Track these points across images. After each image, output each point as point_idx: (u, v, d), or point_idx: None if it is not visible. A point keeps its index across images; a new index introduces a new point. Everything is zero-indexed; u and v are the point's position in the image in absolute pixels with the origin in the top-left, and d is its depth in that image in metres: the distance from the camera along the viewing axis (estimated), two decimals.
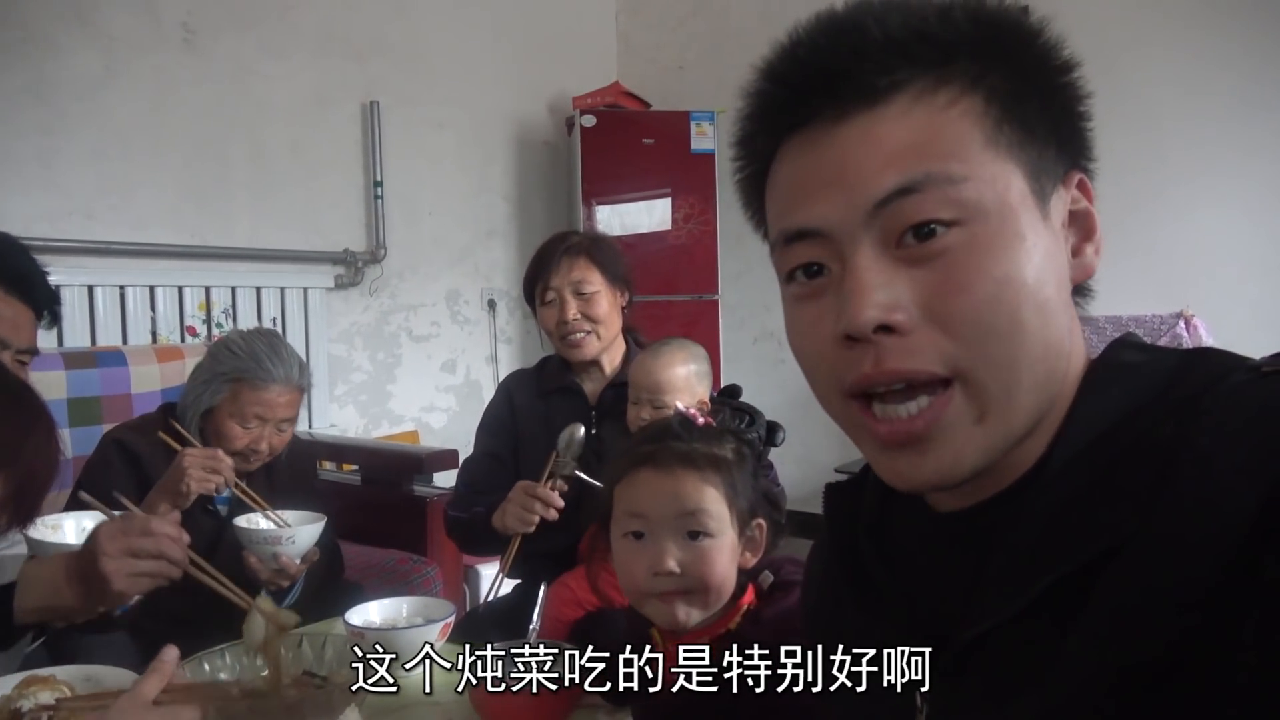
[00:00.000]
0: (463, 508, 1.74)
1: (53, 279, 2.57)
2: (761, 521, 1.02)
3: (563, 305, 1.75)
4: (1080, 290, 0.61)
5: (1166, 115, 3.02)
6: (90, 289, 2.73)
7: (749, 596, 1.01)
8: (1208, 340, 2.92)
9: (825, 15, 0.57)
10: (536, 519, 1.52)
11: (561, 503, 1.52)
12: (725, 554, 0.97)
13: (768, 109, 0.59)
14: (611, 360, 1.83)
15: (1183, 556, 0.45)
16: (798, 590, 0.97)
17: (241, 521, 1.62)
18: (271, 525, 1.64)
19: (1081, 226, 0.58)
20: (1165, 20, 3.02)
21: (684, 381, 1.56)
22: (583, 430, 1.58)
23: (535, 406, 1.83)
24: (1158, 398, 0.52)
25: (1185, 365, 0.54)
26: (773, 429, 1.48)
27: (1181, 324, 2.96)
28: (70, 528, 1.39)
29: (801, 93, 0.56)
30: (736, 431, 1.36)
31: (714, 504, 0.97)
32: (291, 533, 1.61)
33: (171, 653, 0.98)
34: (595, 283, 1.75)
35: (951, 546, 0.60)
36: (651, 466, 0.98)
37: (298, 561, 1.63)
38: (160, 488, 1.57)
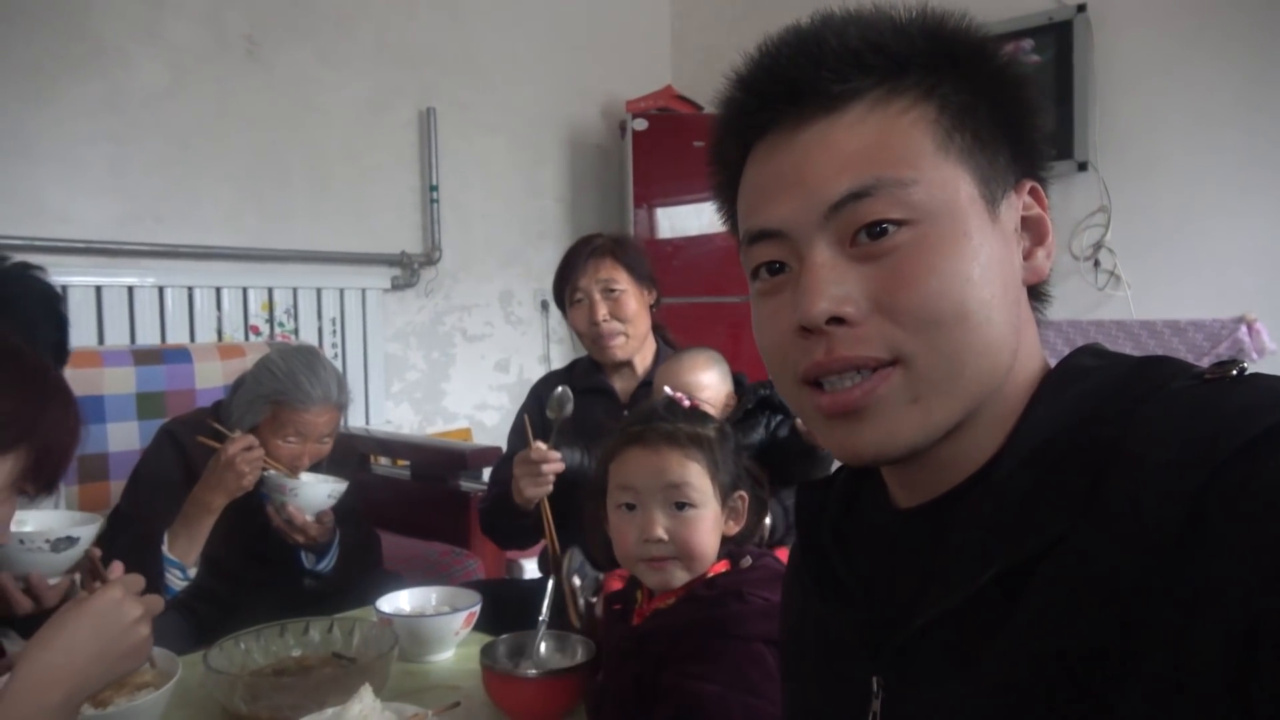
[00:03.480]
0: (487, 499, 1.81)
1: (125, 280, 2.75)
2: (744, 494, 1.11)
3: (592, 306, 1.78)
4: (1037, 295, 0.63)
5: (1227, 114, 2.93)
6: (160, 290, 2.86)
7: (719, 566, 1.09)
8: (1271, 345, 2.83)
9: (791, 28, 0.61)
10: (550, 477, 1.59)
11: (558, 455, 1.60)
12: (708, 523, 1.06)
13: (736, 116, 0.63)
14: (643, 359, 1.86)
15: (1111, 552, 0.47)
16: (758, 571, 1.05)
17: (272, 473, 1.72)
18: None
19: (1034, 232, 0.61)
20: (1225, 20, 2.93)
21: (710, 381, 1.59)
22: (563, 390, 1.67)
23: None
24: (1105, 402, 0.54)
25: (1134, 372, 0.56)
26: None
27: (1243, 328, 2.87)
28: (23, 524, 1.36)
29: (765, 100, 0.60)
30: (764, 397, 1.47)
31: (697, 478, 1.06)
32: (295, 485, 1.70)
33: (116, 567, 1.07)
34: (622, 282, 1.78)
35: (906, 541, 0.63)
36: (640, 445, 1.08)
37: (307, 517, 1.71)
38: (213, 486, 1.64)
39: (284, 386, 1.73)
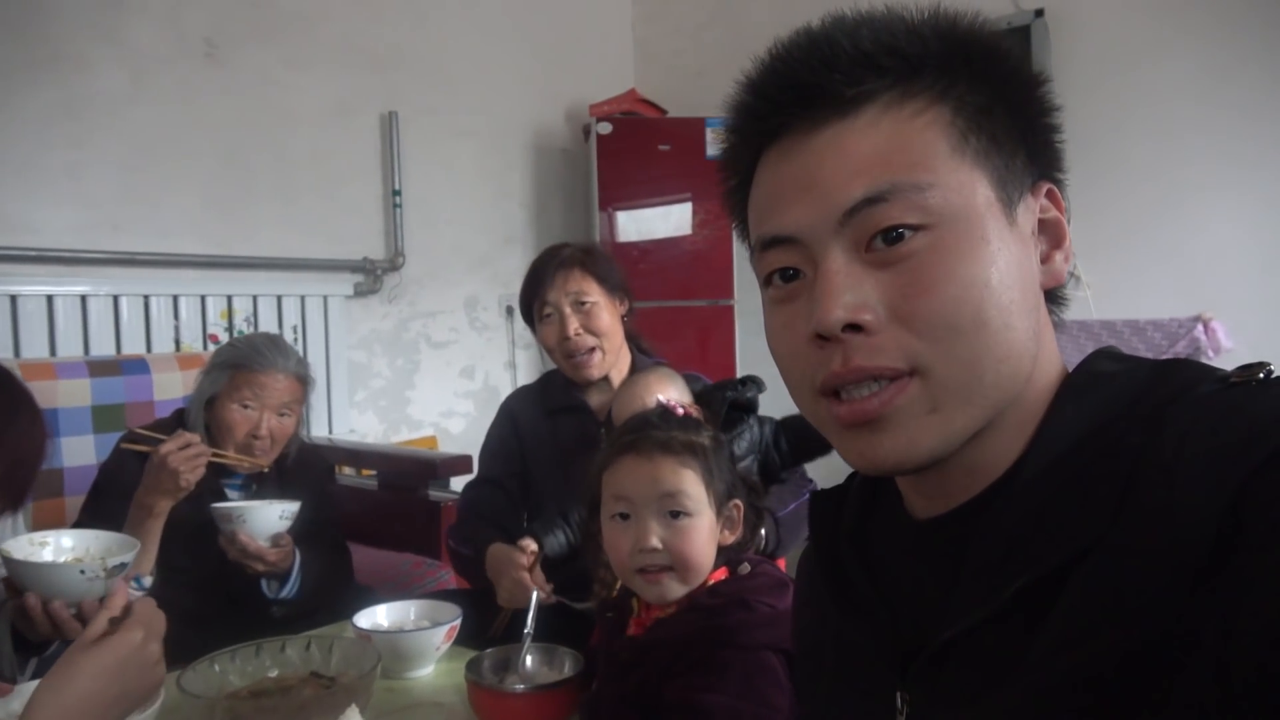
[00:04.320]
0: (462, 537, 1.70)
1: (78, 289, 2.67)
2: (739, 502, 1.10)
3: (563, 321, 1.69)
4: (1054, 298, 0.63)
5: (1183, 114, 3.00)
6: (115, 299, 2.78)
7: (719, 574, 1.08)
8: (1227, 344, 2.90)
9: (802, 30, 0.60)
10: (528, 600, 1.44)
11: (549, 589, 1.44)
12: (703, 532, 1.05)
13: (748, 121, 0.62)
14: (619, 373, 1.79)
15: (1145, 563, 0.46)
16: (760, 579, 1.04)
17: (218, 504, 1.67)
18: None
19: (1051, 235, 0.60)
20: (1182, 19, 2.99)
21: (671, 400, 1.56)
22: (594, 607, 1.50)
23: (541, 427, 1.78)
24: (1129, 408, 0.53)
25: (1157, 375, 0.55)
26: (757, 382, 1.57)
27: (1200, 327, 2.94)
28: (52, 547, 1.35)
29: (777, 104, 0.59)
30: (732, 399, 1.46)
31: (691, 486, 1.04)
32: (243, 510, 1.65)
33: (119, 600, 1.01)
34: (594, 294, 1.70)
35: (928, 552, 0.61)
36: (633, 453, 1.07)
37: (261, 543, 1.65)
38: (151, 488, 1.60)
39: (242, 352, 1.75)
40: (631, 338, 1.83)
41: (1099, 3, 3.16)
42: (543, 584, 1.44)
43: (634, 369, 1.79)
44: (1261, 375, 0.50)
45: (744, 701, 0.94)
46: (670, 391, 1.57)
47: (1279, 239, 2.90)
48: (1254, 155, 2.91)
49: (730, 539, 1.09)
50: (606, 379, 1.76)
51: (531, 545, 1.48)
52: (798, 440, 1.62)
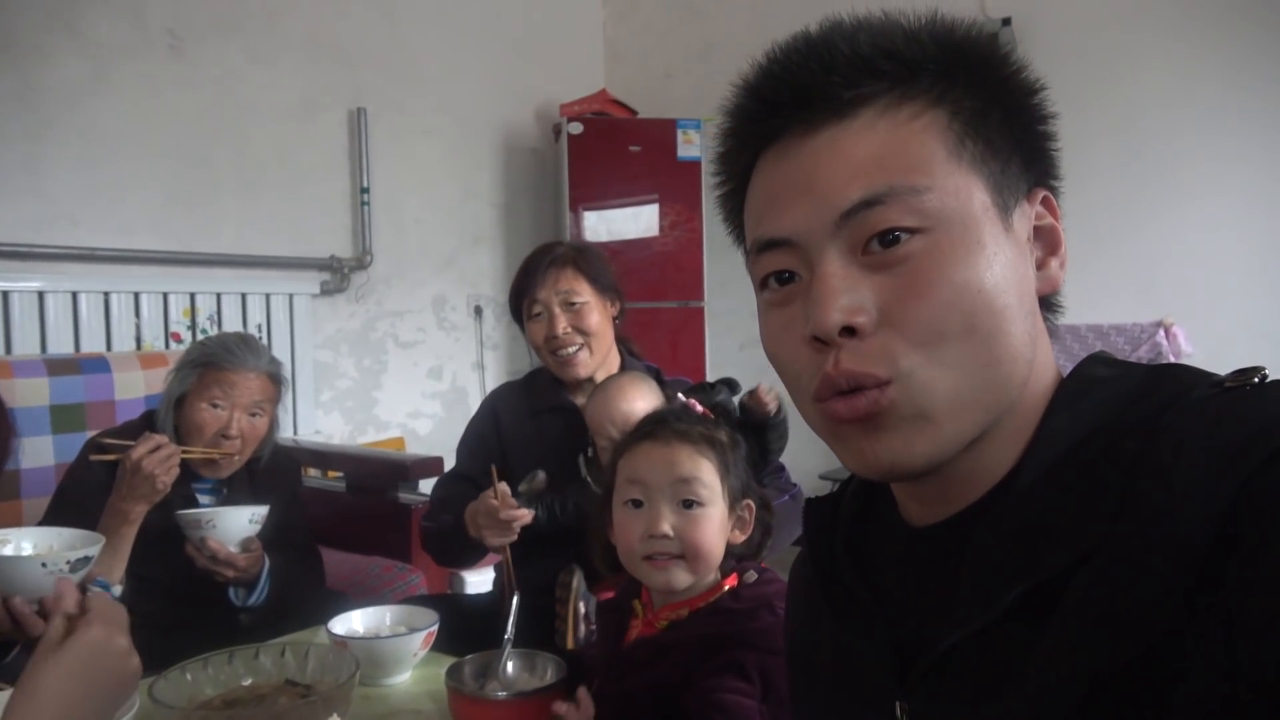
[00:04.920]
0: (433, 519, 1.70)
1: (37, 285, 2.60)
2: (750, 503, 1.11)
3: (551, 319, 1.68)
4: (1048, 304, 0.63)
5: (1148, 123, 3.06)
6: (74, 295, 2.71)
7: (733, 580, 1.08)
8: (1187, 348, 2.96)
9: (800, 34, 0.60)
10: (516, 529, 1.49)
11: (530, 512, 1.51)
12: (715, 523, 1.05)
13: (744, 123, 0.61)
14: (608, 373, 1.75)
15: (1145, 568, 0.46)
16: (775, 584, 1.05)
17: (184, 511, 1.64)
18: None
19: (1047, 241, 0.60)
20: (1148, 29, 3.05)
21: (648, 408, 1.54)
22: (543, 475, 1.56)
23: (525, 427, 1.75)
24: (1124, 412, 0.53)
25: (1151, 380, 0.55)
26: (731, 384, 1.56)
27: (1161, 333, 2.99)
28: (12, 545, 1.32)
29: (775, 107, 0.58)
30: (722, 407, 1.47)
31: (707, 475, 1.05)
32: (211, 515, 1.62)
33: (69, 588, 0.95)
34: (584, 293, 1.69)
35: (926, 559, 0.61)
36: (651, 440, 1.08)
37: (231, 548, 1.63)
38: (126, 495, 1.57)
39: (213, 350, 1.73)
40: (622, 340, 1.82)
41: (1066, 11, 3.21)
42: (521, 512, 1.48)
43: (623, 371, 1.78)
44: (1256, 379, 0.51)
45: (770, 705, 0.94)
46: (645, 394, 1.56)
47: (1240, 245, 2.97)
48: (1216, 163, 2.98)
49: (740, 538, 1.10)
50: (593, 381, 1.74)
51: (503, 486, 1.51)
52: (754, 435, 1.59)
